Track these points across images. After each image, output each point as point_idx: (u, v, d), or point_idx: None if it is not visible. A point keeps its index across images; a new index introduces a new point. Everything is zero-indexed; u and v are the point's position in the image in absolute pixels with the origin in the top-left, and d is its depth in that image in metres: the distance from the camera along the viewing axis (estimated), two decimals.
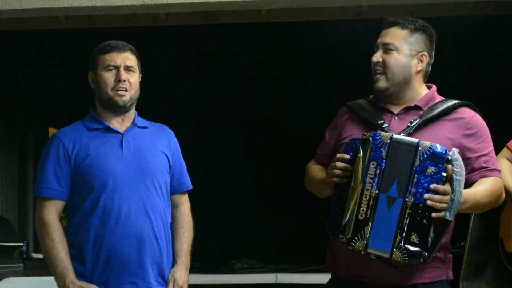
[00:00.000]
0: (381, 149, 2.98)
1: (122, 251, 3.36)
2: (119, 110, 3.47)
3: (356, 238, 2.97)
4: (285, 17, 5.23)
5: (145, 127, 3.55)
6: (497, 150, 3.27)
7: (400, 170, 2.96)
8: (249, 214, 9.22)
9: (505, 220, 3.41)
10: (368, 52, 3.29)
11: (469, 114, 3.19)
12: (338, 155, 3.09)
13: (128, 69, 3.45)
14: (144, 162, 3.45)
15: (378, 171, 2.97)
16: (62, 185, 3.42)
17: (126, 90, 3.43)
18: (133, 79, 3.46)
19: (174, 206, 3.59)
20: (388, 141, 2.99)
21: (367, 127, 3.17)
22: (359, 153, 3.00)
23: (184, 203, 3.63)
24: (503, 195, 3.19)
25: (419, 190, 2.93)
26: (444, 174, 2.94)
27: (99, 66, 3.47)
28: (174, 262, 3.53)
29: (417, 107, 3.20)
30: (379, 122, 3.15)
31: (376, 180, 2.97)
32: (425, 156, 2.94)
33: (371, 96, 3.33)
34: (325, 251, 3.30)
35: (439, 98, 3.26)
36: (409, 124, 3.14)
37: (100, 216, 3.37)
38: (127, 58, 3.46)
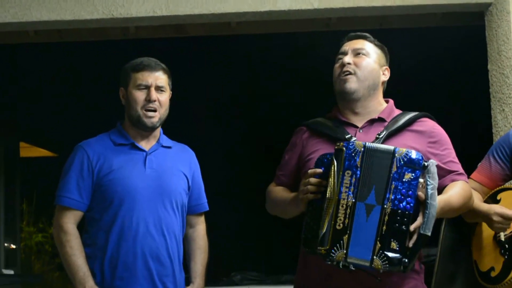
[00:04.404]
0: (355, 158, 2.97)
1: (137, 269, 3.43)
2: (147, 130, 3.53)
3: (335, 248, 2.94)
4: (255, 30, 5.24)
5: (169, 147, 3.61)
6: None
7: (377, 177, 2.95)
8: (252, 225, 9.20)
9: (476, 243, 3.44)
10: None
11: (430, 124, 3.25)
12: (310, 171, 3.06)
13: (159, 89, 3.51)
14: (165, 182, 3.51)
15: (354, 180, 2.96)
16: (83, 196, 3.48)
17: (155, 110, 3.49)
18: (163, 98, 3.52)
19: (191, 226, 3.67)
20: (362, 149, 2.98)
21: (333, 142, 3.14)
22: (333, 164, 2.98)
23: (201, 224, 3.72)
24: (473, 198, 3.26)
25: (397, 197, 2.92)
26: (421, 180, 2.94)
27: (130, 84, 3.52)
28: (188, 281, 3.61)
29: (381, 119, 3.23)
30: (346, 137, 3.13)
31: (352, 189, 2.95)
32: (402, 162, 2.94)
33: (328, 114, 3.34)
34: None
35: (397, 111, 3.30)
36: (377, 136, 3.14)
37: (118, 232, 3.44)
38: (159, 78, 3.52)
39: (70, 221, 3.46)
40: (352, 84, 3.22)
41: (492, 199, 3.42)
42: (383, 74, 3.29)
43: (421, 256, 3.19)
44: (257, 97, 8.73)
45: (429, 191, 2.94)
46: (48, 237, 10.40)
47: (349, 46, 3.29)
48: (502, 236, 3.32)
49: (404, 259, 2.92)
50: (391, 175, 2.94)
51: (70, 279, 3.47)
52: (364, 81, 3.22)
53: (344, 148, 2.99)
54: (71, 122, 8.35)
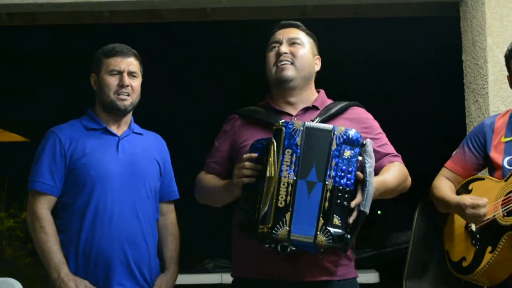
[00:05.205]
0: (295, 137, 3.02)
1: (112, 253, 3.42)
2: (119, 113, 3.54)
3: (278, 226, 2.96)
4: (230, 16, 5.22)
5: (141, 134, 3.63)
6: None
7: (317, 155, 3.00)
8: (224, 213, 9.18)
9: (448, 233, 3.46)
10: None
11: (361, 111, 3.35)
12: (245, 155, 3.10)
13: (131, 74, 3.52)
14: (138, 166, 3.51)
15: (294, 158, 3.00)
16: (56, 181, 3.47)
17: (128, 95, 3.50)
18: (135, 84, 3.54)
19: (161, 214, 3.67)
20: (302, 128, 3.03)
21: (267, 129, 3.20)
22: (273, 144, 3.01)
23: (172, 212, 3.73)
24: (409, 178, 3.32)
25: (338, 173, 2.98)
26: (360, 158, 3.00)
27: (102, 69, 3.52)
28: (163, 268, 3.62)
29: (314, 107, 3.30)
30: (280, 122, 3.13)
31: (292, 167, 2.99)
32: (341, 140, 3.00)
33: (260, 102, 3.39)
34: None
35: (329, 100, 3.37)
36: (311, 121, 3.18)
37: (92, 217, 3.42)
38: (131, 64, 3.53)
39: (44, 206, 3.45)
40: (289, 72, 3.28)
41: (464, 188, 3.44)
42: (316, 64, 3.36)
43: (353, 245, 3.23)
44: (233, 83, 8.71)
45: (368, 169, 2.99)
46: (20, 222, 10.34)
47: (283, 34, 3.34)
48: (473, 226, 3.34)
49: (346, 235, 2.96)
50: (331, 152, 3.00)
51: (43, 265, 3.45)
52: (301, 71, 3.29)
53: (283, 128, 3.03)
54: (43, 107, 8.29)
